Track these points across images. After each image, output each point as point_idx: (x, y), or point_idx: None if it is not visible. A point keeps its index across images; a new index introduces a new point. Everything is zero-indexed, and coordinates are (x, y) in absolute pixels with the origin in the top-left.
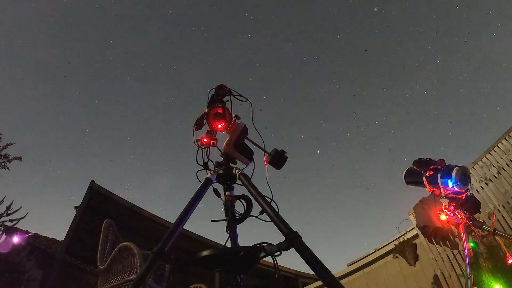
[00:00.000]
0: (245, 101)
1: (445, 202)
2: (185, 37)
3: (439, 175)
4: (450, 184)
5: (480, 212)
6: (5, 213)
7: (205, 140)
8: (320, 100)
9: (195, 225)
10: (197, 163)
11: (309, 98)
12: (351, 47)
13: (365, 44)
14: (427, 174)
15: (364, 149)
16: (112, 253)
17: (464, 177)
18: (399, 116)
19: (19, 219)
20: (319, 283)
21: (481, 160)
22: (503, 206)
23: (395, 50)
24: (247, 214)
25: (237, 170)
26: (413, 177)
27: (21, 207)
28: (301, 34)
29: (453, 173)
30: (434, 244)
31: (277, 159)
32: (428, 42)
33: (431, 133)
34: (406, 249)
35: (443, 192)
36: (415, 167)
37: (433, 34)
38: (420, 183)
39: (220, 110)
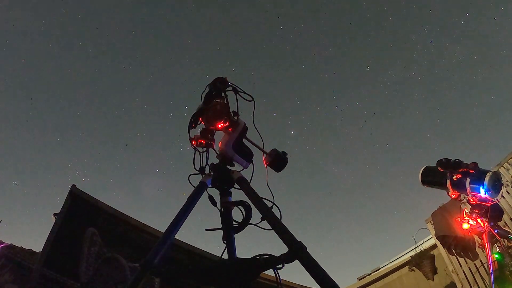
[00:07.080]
0: (250, 100)
1: (466, 208)
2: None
3: (468, 180)
4: (482, 191)
5: (500, 220)
6: None
7: (202, 141)
8: (295, 74)
9: (188, 234)
10: (194, 167)
11: (284, 72)
12: (334, 18)
13: (349, 17)
14: (454, 177)
15: (343, 133)
16: (96, 266)
17: (497, 185)
18: (383, 98)
19: None
20: None
21: (507, 162)
22: None
23: (382, 25)
24: (246, 222)
25: (234, 173)
26: (432, 177)
27: None
28: (278, 2)
29: (486, 179)
30: (454, 256)
31: (277, 161)
32: (421, 20)
33: (417, 118)
34: (423, 261)
35: (470, 198)
36: (439, 168)
37: (427, 12)
38: (439, 185)
39: (221, 107)
